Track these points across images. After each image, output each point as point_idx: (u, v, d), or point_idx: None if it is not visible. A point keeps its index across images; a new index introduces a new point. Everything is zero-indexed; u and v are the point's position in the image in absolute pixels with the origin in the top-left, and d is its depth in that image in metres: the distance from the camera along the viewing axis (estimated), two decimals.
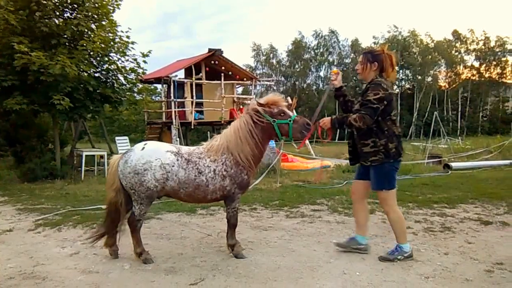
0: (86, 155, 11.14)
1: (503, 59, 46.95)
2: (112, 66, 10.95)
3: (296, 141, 4.25)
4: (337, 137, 43.15)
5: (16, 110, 9.23)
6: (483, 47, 47.29)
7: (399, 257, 3.78)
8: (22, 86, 9.36)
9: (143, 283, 3.42)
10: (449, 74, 49.38)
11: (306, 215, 5.79)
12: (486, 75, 47.43)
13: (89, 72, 10.13)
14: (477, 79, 47.33)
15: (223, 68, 18.14)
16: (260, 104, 3.91)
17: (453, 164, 11.37)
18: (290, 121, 3.84)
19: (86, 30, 10.06)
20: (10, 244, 4.64)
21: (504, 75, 47.23)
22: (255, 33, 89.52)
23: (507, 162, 12.71)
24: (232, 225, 4.05)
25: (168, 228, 5.20)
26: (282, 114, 3.87)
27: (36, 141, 11.22)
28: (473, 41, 47.94)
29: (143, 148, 3.85)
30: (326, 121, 3.93)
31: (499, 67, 47.22)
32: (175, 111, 15.59)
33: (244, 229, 5.10)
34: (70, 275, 3.63)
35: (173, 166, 3.76)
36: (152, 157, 3.75)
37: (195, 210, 6.20)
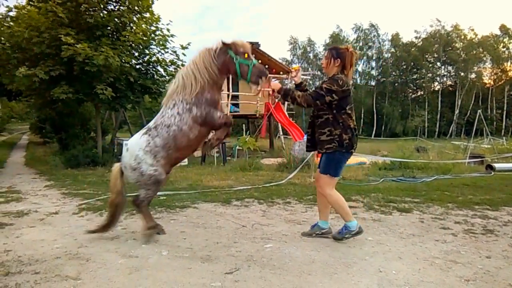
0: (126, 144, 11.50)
1: None
2: (153, 58, 11.25)
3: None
4: (373, 134, 42.33)
5: (63, 99, 9.67)
6: None
7: (346, 235, 4.14)
8: (68, 76, 9.80)
9: (180, 269, 3.52)
10: (494, 71, 47.12)
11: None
12: None
13: (130, 63, 10.46)
14: None
15: (259, 61, 18.12)
16: (225, 44, 4.08)
17: (497, 165, 10.88)
18: (251, 63, 4.05)
19: (128, 22, 10.38)
20: (56, 226, 4.91)
21: None
22: (292, 26, 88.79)
23: None
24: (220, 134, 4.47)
25: (204, 217, 5.31)
26: (246, 55, 4.08)
27: (80, 129, 11.76)
28: None
29: (127, 149, 4.26)
30: (276, 85, 4.25)
31: None
32: None
33: (278, 222, 5.13)
34: (111, 258, 3.79)
35: (149, 142, 4.10)
36: (135, 151, 4.14)
37: (230, 201, 6.29)
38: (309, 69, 46.14)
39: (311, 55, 48.76)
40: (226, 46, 4.09)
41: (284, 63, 35.88)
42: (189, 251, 3.99)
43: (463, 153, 14.20)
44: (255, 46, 17.32)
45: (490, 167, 10.66)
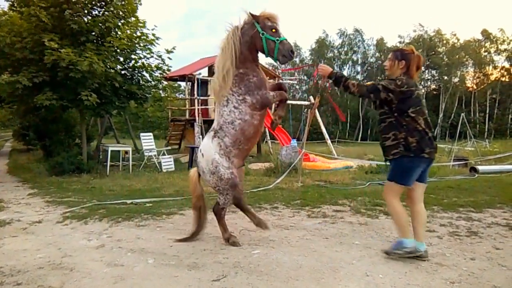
0: (111, 151, 11.39)
1: None
2: (138, 63, 11.17)
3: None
4: (359, 138, 42.69)
5: (46, 106, 9.53)
6: None
7: (398, 251, 3.78)
8: (52, 82, 9.66)
9: (166, 277, 3.48)
10: (477, 75, 48.04)
11: (328, 216, 5.76)
12: None
13: (115, 68, 10.36)
14: (507, 80, 45.85)
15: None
16: (254, 16, 3.96)
17: (480, 168, 11.07)
18: (278, 40, 3.86)
19: (113, 27, 10.29)
20: (39, 235, 4.81)
21: None
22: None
23: None
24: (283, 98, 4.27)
25: (191, 224, 5.25)
26: (273, 30, 3.89)
27: (64, 135, 11.59)
28: (503, 41, 46.48)
29: (202, 155, 4.28)
30: (325, 68, 3.98)
31: None
32: (198, 109, 15.73)
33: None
34: (96, 267, 3.73)
35: (221, 145, 4.12)
36: (210, 155, 4.17)
37: None
38: (296, 74, 46.41)
39: (297, 60, 49.02)
40: (253, 19, 3.95)
41: (271, 68, 35.98)
42: (175, 258, 3.95)
43: (448, 156, 14.40)
44: None
45: (473, 170, 10.83)
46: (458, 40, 46.99)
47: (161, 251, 4.18)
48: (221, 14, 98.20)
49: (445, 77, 46.06)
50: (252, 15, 3.97)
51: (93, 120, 16.22)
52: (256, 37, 3.94)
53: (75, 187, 8.44)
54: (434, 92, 47.76)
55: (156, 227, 5.13)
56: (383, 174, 10.50)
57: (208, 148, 4.24)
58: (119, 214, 5.71)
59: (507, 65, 46.78)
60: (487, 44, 47.32)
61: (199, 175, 4.43)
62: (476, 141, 21.36)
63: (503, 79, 46.40)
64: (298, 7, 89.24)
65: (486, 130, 43.40)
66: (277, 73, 22.54)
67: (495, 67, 47.38)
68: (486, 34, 47.11)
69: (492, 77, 47.19)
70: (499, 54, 47.09)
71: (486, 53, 47.48)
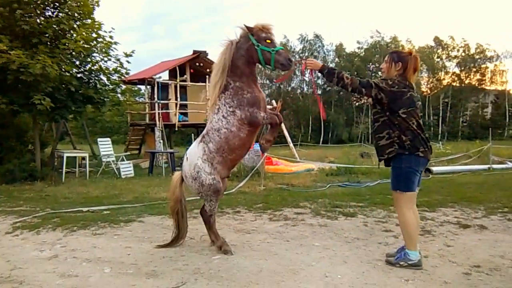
0: (67, 157, 10.95)
1: (483, 66, 48.08)
2: (95, 66, 10.83)
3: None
4: (321, 141, 43.47)
5: None
6: (463, 54, 48.35)
7: (401, 263, 3.69)
8: (1, 86, 9.16)
9: (123, 286, 3.37)
10: (430, 80, 50.30)
11: (289, 218, 5.81)
12: (467, 81, 48.50)
13: (71, 72, 9.99)
14: (457, 85, 48.32)
15: (208, 70, 18.06)
16: (249, 28, 3.93)
17: (434, 168, 11.57)
18: (273, 51, 3.84)
19: (68, 29, 9.93)
20: None
21: (484, 82, 48.36)
22: None
23: (485, 166, 13.00)
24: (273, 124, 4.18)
25: (150, 231, 5.14)
26: (268, 41, 3.87)
27: (15, 141, 11.00)
28: (454, 47, 48.99)
29: (187, 159, 4.25)
30: (315, 62, 3.92)
31: (478, 73, 48.34)
32: (158, 113, 15.46)
33: (227, 232, 5.08)
34: (48, 279, 3.55)
35: (205, 150, 4.10)
36: (193, 160, 4.14)
37: None
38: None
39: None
40: (248, 31, 3.93)
41: None
42: (133, 267, 3.84)
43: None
44: (203, 55, 17.27)
45: (428, 170, 11.28)
46: (413, 46, 49.06)
47: (118, 259, 4.05)
48: (181, 17, 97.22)
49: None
50: (246, 27, 3.95)
51: (47, 125, 15.50)
52: (252, 50, 3.93)
53: (27, 195, 8.04)
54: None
55: (113, 235, 4.97)
56: (343, 176, 10.76)
57: (193, 152, 4.21)
58: (74, 223, 5.48)
59: (457, 70, 49.31)
60: (439, 51, 49.71)
61: (182, 179, 4.36)
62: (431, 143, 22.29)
63: (454, 84, 48.83)
64: (260, 12, 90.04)
65: (440, 132, 45.43)
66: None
67: (446, 73, 49.81)
68: (438, 41, 49.49)
69: (444, 82, 49.56)
70: (450, 61, 49.60)
71: (438, 59, 49.82)
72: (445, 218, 5.77)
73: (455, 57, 48.90)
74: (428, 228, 5.18)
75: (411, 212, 3.72)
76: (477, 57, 47.93)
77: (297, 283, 3.40)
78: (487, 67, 48.01)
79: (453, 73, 49.41)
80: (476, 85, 48.27)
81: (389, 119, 3.69)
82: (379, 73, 48.76)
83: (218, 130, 4.06)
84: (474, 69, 48.27)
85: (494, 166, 13.27)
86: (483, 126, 43.15)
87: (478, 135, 38.25)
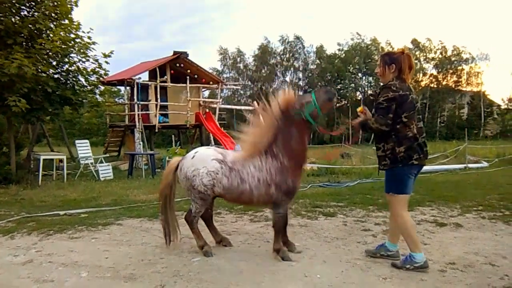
0: (44, 159, 10.68)
1: (459, 67, 49.24)
2: (73, 67, 10.61)
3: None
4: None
5: None
6: (440, 56, 49.41)
7: (407, 266, 3.65)
8: None
9: None
10: (410, 81, 51.15)
11: (270, 219, 5.76)
12: (444, 83, 49.56)
13: (47, 72, 9.76)
14: (435, 86, 49.32)
15: (188, 71, 18.00)
16: (283, 112, 3.93)
17: None
18: (314, 103, 3.85)
19: (44, 29, 9.71)
20: None
21: (460, 83, 49.52)
22: (221, 36, 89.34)
23: (462, 166, 13.33)
24: (277, 230, 4.07)
25: (129, 234, 5.07)
26: (303, 103, 3.89)
27: None
28: (431, 50, 50.02)
29: (193, 157, 4.16)
30: (355, 122, 3.89)
31: (455, 75, 49.47)
32: (138, 114, 15.27)
33: (207, 234, 5.03)
34: (22, 284, 3.47)
35: (217, 173, 3.99)
36: (199, 165, 4.05)
37: (158, 215, 6.05)
38: (240, 79, 46.64)
39: (241, 65, 49.27)
40: (287, 108, 3.93)
41: (214, 73, 35.90)
42: (111, 270, 3.78)
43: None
44: (183, 55, 17.15)
45: None
46: (393, 48, 49.87)
47: (96, 263, 3.98)
48: (162, 18, 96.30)
49: (381, 84, 48.60)
50: (279, 106, 3.95)
51: (23, 127, 15.11)
52: (300, 124, 3.93)
53: (2, 199, 7.81)
54: (371, 98, 50.05)
55: (91, 239, 4.88)
56: (324, 176, 10.85)
57: (202, 160, 4.07)
58: (51, 227, 5.36)
59: (435, 72, 50.35)
60: (417, 53, 50.68)
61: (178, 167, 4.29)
62: None
63: (432, 85, 49.83)
64: (242, 12, 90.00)
65: None
66: (221, 79, 22.54)
67: (424, 74, 50.80)
68: (416, 43, 50.44)
69: (422, 84, 50.53)
70: (427, 62, 50.62)
71: (416, 61, 50.83)
72: (422, 217, 5.88)
73: (433, 59, 49.92)
74: None
75: (407, 213, 3.74)
76: (454, 59, 49.02)
77: (277, 283, 3.41)
78: (463, 69, 49.16)
79: (431, 74, 50.42)
80: (453, 86, 49.35)
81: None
82: (359, 74, 49.69)
83: (241, 181, 3.94)
84: (451, 71, 49.37)
85: (470, 165, 13.63)
86: (459, 127, 44.12)
87: (455, 135, 39.18)
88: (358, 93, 50.69)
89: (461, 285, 3.33)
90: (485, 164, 14.38)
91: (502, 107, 49.27)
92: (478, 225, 5.41)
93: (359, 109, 3.99)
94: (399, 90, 3.58)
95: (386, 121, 3.56)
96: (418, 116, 3.74)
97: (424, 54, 50.14)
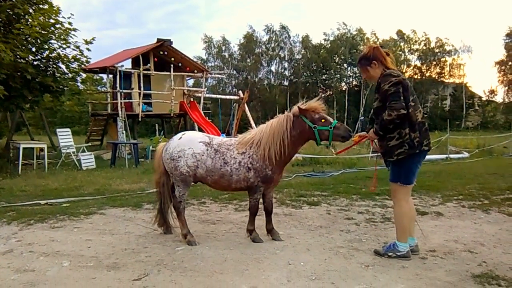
0: (24, 148, 10.45)
1: (442, 59, 49.89)
2: (53, 53, 10.36)
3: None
4: None
5: None
6: (424, 47, 49.90)
7: (390, 253, 3.69)
8: None
9: (83, 280, 3.27)
10: None
11: None
12: (427, 74, 50.16)
13: (27, 59, 9.51)
14: (419, 77, 49.89)
15: (172, 59, 17.73)
16: (301, 110, 4.02)
17: None
18: (330, 127, 3.95)
19: (23, 14, 9.42)
20: None
21: (443, 75, 50.22)
22: (207, 24, 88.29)
23: (443, 156, 13.58)
24: (252, 213, 4.32)
25: (112, 224, 5.01)
26: (323, 120, 3.99)
27: None
28: (415, 41, 50.45)
29: (180, 138, 4.28)
30: (371, 135, 3.79)
31: (438, 67, 50.12)
32: (121, 103, 15.02)
33: (192, 223, 5.03)
34: (2, 274, 3.39)
35: (202, 155, 4.08)
36: (186, 146, 4.15)
37: (141, 205, 6.04)
38: (225, 68, 46.32)
39: (226, 54, 48.87)
40: (301, 113, 4.02)
41: (199, 61, 35.51)
42: (94, 260, 3.73)
43: (367, 148, 15.32)
44: (167, 43, 16.89)
45: None
46: (378, 39, 50.09)
47: (78, 253, 3.93)
48: (145, 4, 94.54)
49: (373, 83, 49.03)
50: (299, 109, 4.02)
51: (2, 115, 14.74)
52: (307, 131, 4.03)
53: None
54: (356, 88, 50.44)
55: (73, 228, 4.80)
56: (308, 166, 10.91)
57: (190, 141, 4.20)
58: (31, 216, 5.26)
59: (418, 63, 50.92)
60: (402, 44, 51.07)
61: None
62: None
63: (415, 76, 50.42)
64: (226, 1, 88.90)
65: None
66: (205, 68, 22.32)
67: (408, 66, 51.30)
68: (401, 34, 50.80)
69: (407, 75, 51.08)
70: (412, 54, 51.10)
71: (401, 52, 51.22)
72: None
73: (417, 50, 50.40)
74: (388, 215, 5.35)
75: (408, 204, 3.74)
76: (437, 50, 49.61)
77: (261, 271, 3.42)
78: (446, 61, 49.84)
79: (415, 65, 50.96)
80: (436, 78, 50.03)
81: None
82: (344, 65, 49.94)
83: (224, 163, 4.08)
84: (434, 63, 49.98)
85: (452, 155, 13.90)
86: (442, 118, 44.82)
87: (437, 126, 39.71)
88: (343, 83, 50.87)
89: (441, 272, 3.40)
90: (466, 154, 14.69)
91: (483, 99, 50.25)
92: (458, 213, 5.53)
93: (354, 138, 4.03)
94: (400, 75, 3.58)
95: (402, 104, 3.44)
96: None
97: (408, 46, 50.53)
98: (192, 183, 4.42)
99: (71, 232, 4.66)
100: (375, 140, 3.89)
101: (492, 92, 50.29)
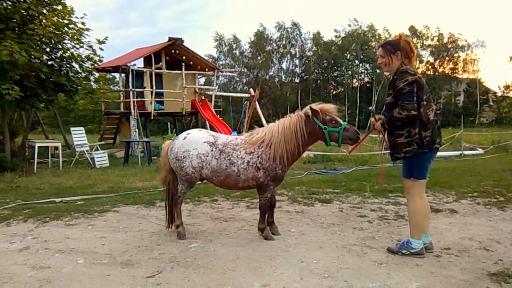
0: (39, 147, 10.62)
1: (455, 55, 49.13)
2: (66, 53, 10.48)
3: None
4: None
5: None
6: (437, 43, 49.21)
7: (403, 251, 3.67)
8: None
9: (97, 277, 3.32)
10: None
11: None
12: (440, 70, 49.48)
13: (41, 59, 9.64)
14: (431, 73, 49.23)
15: (184, 57, 17.80)
16: (313, 111, 4.05)
17: None
18: (340, 129, 4.00)
19: (36, 14, 9.55)
20: None
21: (456, 70, 49.47)
22: (217, 23, 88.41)
23: (457, 153, 13.39)
24: (262, 212, 4.32)
25: (126, 221, 5.07)
26: (333, 122, 4.04)
27: None
28: (428, 37, 49.79)
29: (185, 138, 4.29)
30: (378, 125, 3.80)
31: (451, 62, 49.38)
32: (133, 101, 15.15)
33: (204, 220, 5.07)
34: (19, 271, 3.46)
35: (207, 156, 4.11)
36: (190, 146, 4.19)
37: (154, 202, 6.09)
38: (236, 66, 46.31)
39: (236, 52, 48.82)
40: (313, 114, 4.06)
41: (210, 59, 35.60)
42: (108, 257, 3.78)
43: (379, 145, 15.20)
44: (178, 42, 16.96)
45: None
46: (390, 35, 49.56)
47: (92, 250, 3.98)
48: (157, 3, 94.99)
49: (378, 71, 48.46)
50: (311, 109, 4.06)
51: (17, 114, 14.99)
52: (317, 132, 4.09)
53: None
54: (368, 85, 50.02)
55: (87, 226, 4.87)
56: (320, 164, 10.87)
57: (195, 141, 4.22)
58: (47, 214, 5.35)
59: (431, 59, 50.24)
60: (415, 40, 50.46)
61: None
62: None
63: (428, 72, 49.77)
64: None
65: None
66: (216, 66, 22.37)
67: (421, 61, 50.66)
68: (413, 30, 50.17)
69: (419, 71, 50.43)
70: (424, 49, 50.43)
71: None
72: None
73: (429, 46, 49.73)
74: (401, 213, 5.30)
75: (422, 200, 3.69)
76: (450, 46, 48.88)
77: (274, 269, 3.42)
78: (459, 56, 49.08)
79: (427, 61, 50.30)
80: (449, 73, 49.30)
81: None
82: (356, 61, 49.53)
83: (231, 163, 4.09)
84: (447, 58, 49.26)
85: (466, 152, 13.69)
86: (455, 114, 44.18)
87: (451, 122, 39.19)
88: (354, 80, 50.48)
89: (456, 270, 3.36)
90: (480, 151, 14.46)
91: (498, 94, 49.33)
92: (473, 211, 5.45)
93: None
94: (416, 73, 3.55)
95: (414, 105, 3.45)
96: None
97: (421, 41, 49.89)
98: (199, 182, 4.51)
99: (85, 229, 4.72)
100: (386, 135, 3.85)
101: (508, 87, 49.23)
